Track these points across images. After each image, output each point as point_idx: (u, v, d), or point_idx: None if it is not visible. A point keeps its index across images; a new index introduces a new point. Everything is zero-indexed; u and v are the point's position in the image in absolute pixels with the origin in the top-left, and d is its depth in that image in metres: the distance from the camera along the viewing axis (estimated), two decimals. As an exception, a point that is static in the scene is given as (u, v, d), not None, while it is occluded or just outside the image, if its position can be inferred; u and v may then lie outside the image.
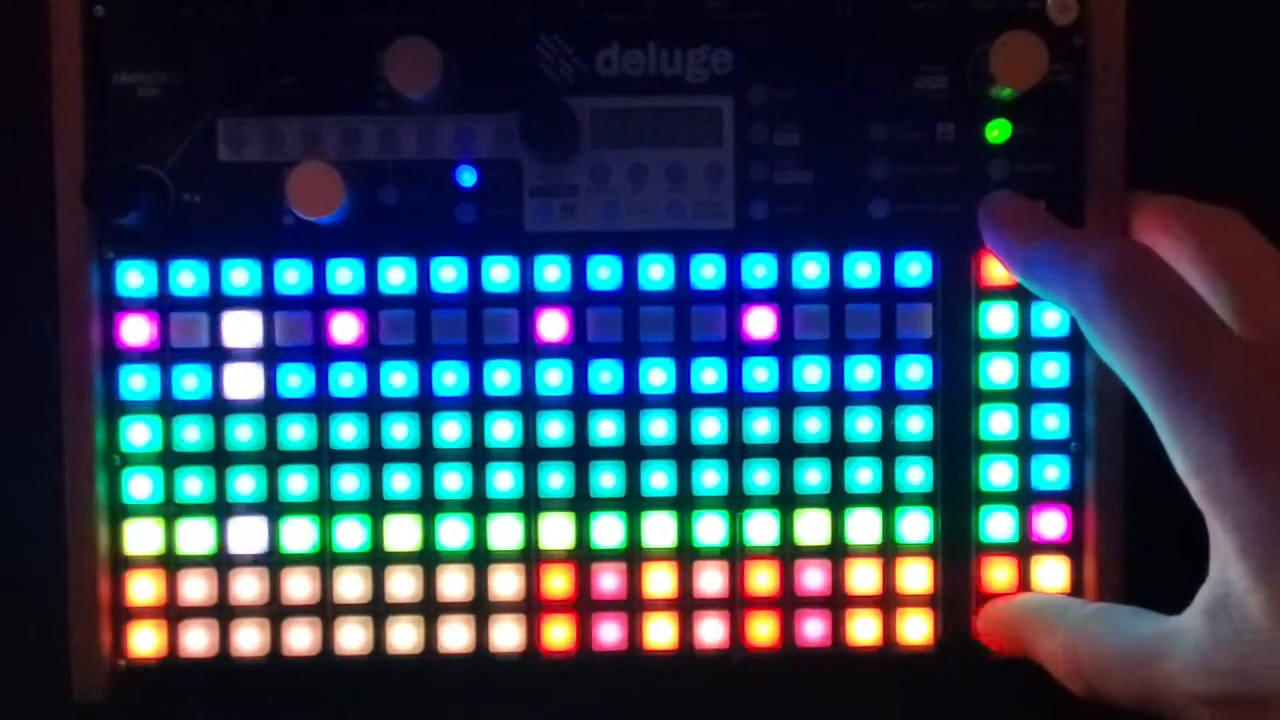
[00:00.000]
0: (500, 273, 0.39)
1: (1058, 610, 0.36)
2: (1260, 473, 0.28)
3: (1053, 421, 0.39)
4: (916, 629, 0.39)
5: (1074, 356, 0.39)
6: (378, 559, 0.39)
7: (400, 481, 0.39)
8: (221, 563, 0.39)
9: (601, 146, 0.39)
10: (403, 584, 0.39)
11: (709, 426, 0.39)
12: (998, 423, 0.39)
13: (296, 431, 0.39)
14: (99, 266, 0.39)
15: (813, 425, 0.39)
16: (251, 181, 0.39)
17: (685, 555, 0.39)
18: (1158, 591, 0.33)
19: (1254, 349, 0.31)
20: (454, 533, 0.39)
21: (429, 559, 0.39)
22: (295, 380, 0.39)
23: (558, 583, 0.39)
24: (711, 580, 0.39)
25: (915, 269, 0.39)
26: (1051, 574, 0.39)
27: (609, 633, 0.39)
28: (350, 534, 0.39)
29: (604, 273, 0.39)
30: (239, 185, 0.39)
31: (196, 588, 0.39)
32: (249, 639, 0.39)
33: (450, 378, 0.39)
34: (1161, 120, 0.38)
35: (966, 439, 0.39)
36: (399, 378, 0.39)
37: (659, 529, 0.39)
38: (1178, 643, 0.30)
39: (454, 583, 0.39)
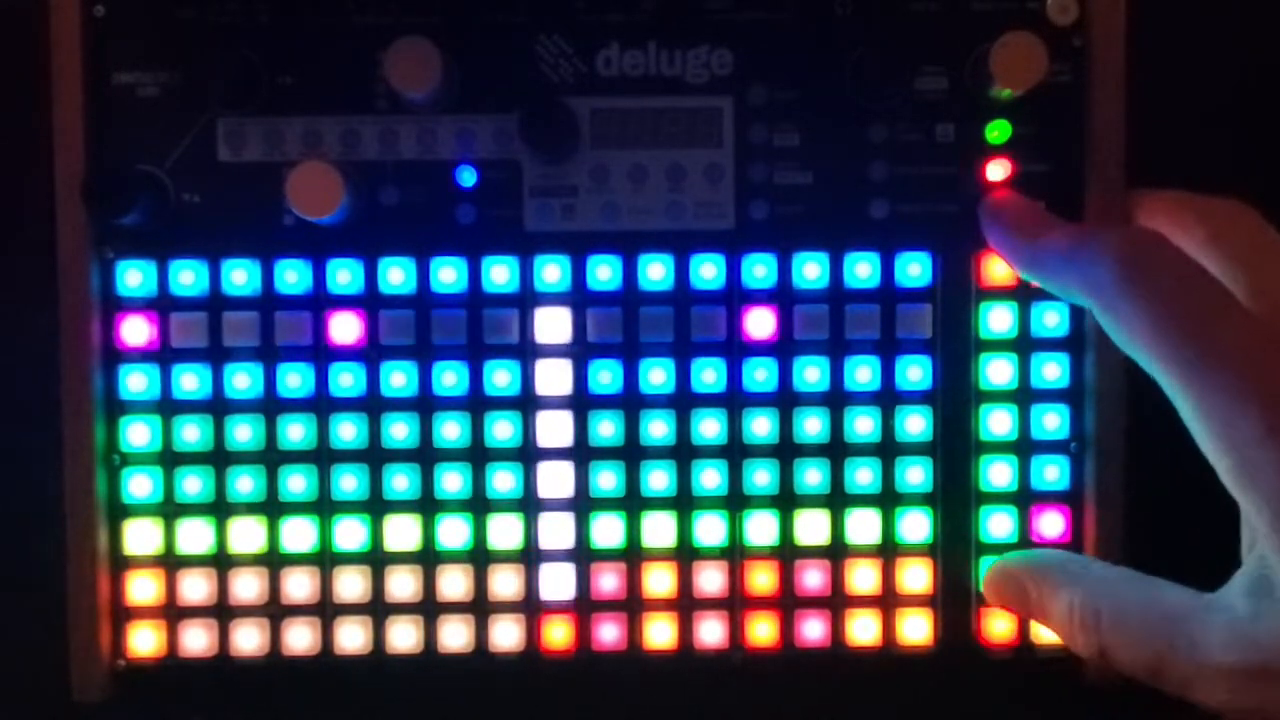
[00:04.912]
0: (500, 273, 0.39)
1: (1080, 565, 0.36)
2: None
3: (1052, 421, 0.39)
4: (916, 629, 0.39)
5: (1074, 357, 0.39)
6: (377, 559, 0.39)
7: (400, 481, 0.39)
8: (221, 563, 0.39)
9: (601, 146, 0.39)
10: (402, 584, 0.39)
11: (709, 426, 0.39)
12: (997, 423, 0.39)
13: (296, 431, 0.39)
14: (99, 266, 0.39)
15: (812, 425, 0.39)
16: (251, 181, 0.39)
17: (685, 555, 0.39)
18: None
19: (1273, 327, 0.30)
20: (454, 533, 0.39)
21: (429, 559, 0.39)
22: (295, 380, 0.39)
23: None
24: (711, 580, 0.39)
25: (915, 269, 0.39)
26: (1051, 574, 0.39)
27: (609, 633, 0.39)
28: (350, 534, 0.39)
29: (604, 273, 0.39)
30: (239, 185, 0.39)
31: (196, 588, 0.39)
32: (249, 639, 0.39)
33: (450, 378, 0.39)
34: (1161, 120, 0.38)
35: (966, 439, 0.39)
36: (399, 378, 0.39)
37: (659, 529, 0.39)
38: (1214, 614, 0.30)
39: (454, 583, 0.39)
